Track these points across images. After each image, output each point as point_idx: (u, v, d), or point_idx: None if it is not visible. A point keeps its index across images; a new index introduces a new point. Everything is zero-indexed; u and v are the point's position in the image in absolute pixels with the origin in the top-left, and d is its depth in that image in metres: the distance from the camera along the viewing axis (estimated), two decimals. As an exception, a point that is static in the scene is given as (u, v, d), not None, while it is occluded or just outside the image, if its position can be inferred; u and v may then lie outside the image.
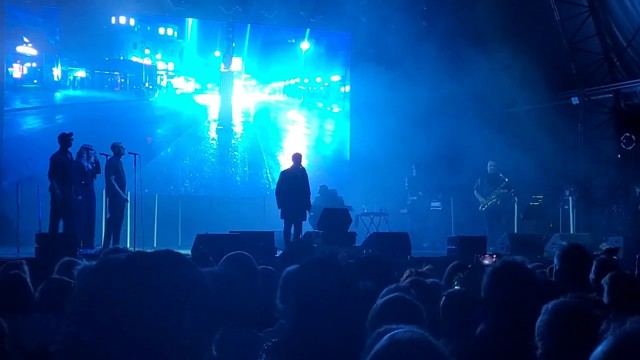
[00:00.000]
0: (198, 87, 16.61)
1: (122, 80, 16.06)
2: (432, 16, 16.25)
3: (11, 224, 11.95)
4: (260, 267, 4.11)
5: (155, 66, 16.32)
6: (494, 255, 9.28)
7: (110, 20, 15.75)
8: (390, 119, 15.58)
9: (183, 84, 16.49)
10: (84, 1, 14.59)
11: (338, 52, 17.70)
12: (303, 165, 12.65)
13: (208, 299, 1.22)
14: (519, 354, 2.77)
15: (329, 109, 17.83)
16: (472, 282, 3.85)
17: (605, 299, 3.80)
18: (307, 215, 12.68)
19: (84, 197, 11.50)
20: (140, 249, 11.26)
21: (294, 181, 12.12)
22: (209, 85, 16.69)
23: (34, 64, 15.29)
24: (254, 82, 17.09)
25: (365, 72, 15.85)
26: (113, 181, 11.63)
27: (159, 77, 16.33)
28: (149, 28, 16.26)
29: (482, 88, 14.87)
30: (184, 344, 1.16)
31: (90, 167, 11.67)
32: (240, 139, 16.99)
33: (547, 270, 4.63)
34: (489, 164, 14.43)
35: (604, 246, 11.17)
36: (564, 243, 4.25)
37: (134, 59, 16.09)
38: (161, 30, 16.38)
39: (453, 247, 11.49)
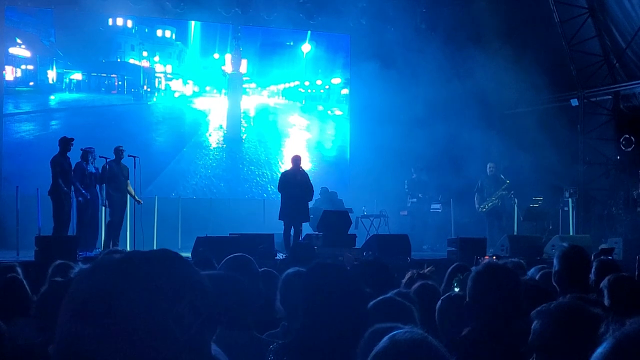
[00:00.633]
0: (196, 89, 16.55)
1: (120, 83, 15.92)
2: (432, 18, 16.26)
3: (10, 227, 11.93)
4: (262, 269, 4.11)
5: (154, 68, 16.20)
6: (494, 257, 9.29)
7: (107, 21, 15.60)
8: (390, 121, 15.58)
9: (181, 87, 16.41)
10: (82, 3, 14.46)
11: (338, 54, 17.67)
12: (303, 168, 12.63)
13: (206, 296, 1.21)
14: (502, 355, 2.79)
15: (329, 112, 17.79)
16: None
17: (605, 301, 3.80)
18: (308, 218, 12.66)
19: (86, 200, 11.49)
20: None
21: (293, 183, 12.11)
22: (207, 88, 16.63)
23: (30, 67, 15.06)
24: (253, 84, 17.07)
25: (365, 74, 15.85)
26: (104, 186, 11.68)
27: (157, 80, 16.22)
28: (146, 30, 16.14)
29: (481, 90, 14.88)
30: (183, 341, 1.15)
31: (93, 170, 11.67)
32: (243, 142, 16.95)
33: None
34: (488, 166, 14.44)
35: (604, 247, 11.16)
36: (564, 244, 4.24)
37: (131, 61, 15.96)
38: (159, 32, 16.29)
39: (453, 248, 11.49)
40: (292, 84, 17.45)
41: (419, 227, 14.77)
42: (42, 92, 15.22)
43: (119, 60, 15.92)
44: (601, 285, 3.92)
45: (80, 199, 11.38)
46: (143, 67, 16.06)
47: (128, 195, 12.17)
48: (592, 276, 4.35)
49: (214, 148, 16.65)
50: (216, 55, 16.68)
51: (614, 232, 14.07)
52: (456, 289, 3.99)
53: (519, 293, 2.99)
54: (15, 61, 14.98)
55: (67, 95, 15.42)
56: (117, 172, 11.81)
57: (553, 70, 15.04)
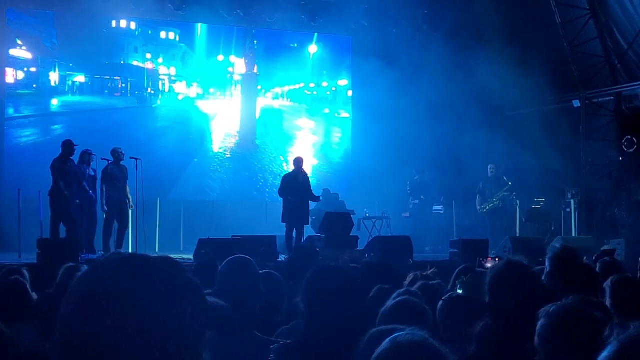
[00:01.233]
0: (200, 91, 16.49)
1: (123, 85, 15.79)
2: (433, 19, 16.26)
3: (12, 229, 11.94)
4: (264, 270, 4.11)
5: (157, 71, 16.13)
6: (496, 259, 9.28)
7: (111, 23, 15.46)
8: (391, 123, 15.58)
9: (185, 89, 16.33)
10: (83, 5, 14.44)
11: (346, 57, 17.56)
12: (305, 170, 12.62)
13: (204, 301, 1.23)
14: (518, 354, 2.78)
15: (336, 114, 17.69)
16: (475, 286, 3.85)
17: (607, 302, 3.79)
18: (310, 220, 12.66)
19: (85, 202, 11.50)
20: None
21: (295, 185, 12.11)
22: (211, 90, 16.58)
23: (33, 69, 14.93)
24: (258, 87, 17.01)
25: (367, 75, 15.86)
26: (104, 189, 11.65)
27: (160, 82, 16.14)
28: (150, 32, 16.05)
29: (483, 91, 14.88)
30: (186, 342, 1.15)
31: (92, 173, 11.67)
32: (258, 147, 16.87)
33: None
34: (489, 167, 14.44)
35: (605, 249, 11.15)
36: (556, 245, 4.25)
37: (135, 63, 15.87)
38: (163, 34, 16.20)
39: (455, 250, 11.49)
40: (297, 86, 17.37)
41: (421, 228, 14.76)
42: (44, 95, 15.06)
43: (122, 62, 15.83)
44: (604, 285, 3.91)
45: (77, 201, 11.36)
46: (147, 69, 15.96)
47: (129, 197, 12.19)
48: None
49: (219, 151, 16.53)
50: (220, 57, 16.59)
51: (616, 234, 14.05)
52: (459, 291, 3.98)
53: (538, 292, 2.98)
54: (17, 63, 14.83)
55: (69, 98, 15.28)
56: (117, 175, 11.80)
57: (555, 72, 15.03)
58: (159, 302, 1.14)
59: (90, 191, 11.66)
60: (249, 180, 16.55)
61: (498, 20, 14.86)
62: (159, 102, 16.15)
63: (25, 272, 4.67)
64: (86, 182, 11.54)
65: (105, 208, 11.73)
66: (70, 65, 15.29)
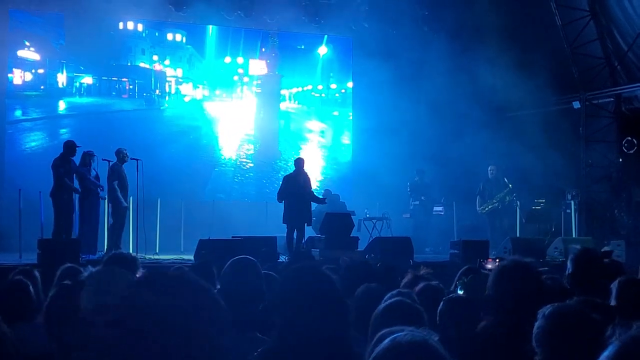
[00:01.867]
0: (206, 93, 16.44)
1: (131, 87, 15.77)
2: (434, 21, 16.26)
3: (13, 230, 11.94)
4: (263, 272, 4.11)
5: (165, 72, 16.10)
6: (497, 260, 9.28)
7: (118, 25, 15.47)
8: (392, 124, 15.60)
9: (191, 91, 16.29)
10: (84, 5, 14.47)
11: (355, 59, 17.41)
12: (306, 171, 12.62)
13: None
14: (518, 353, 2.78)
15: (350, 116, 17.62)
16: (476, 287, 3.85)
17: (612, 303, 3.80)
18: (310, 220, 12.65)
19: (86, 203, 11.50)
20: (143, 254, 11.31)
21: (296, 186, 12.11)
22: (217, 92, 16.51)
23: (40, 70, 14.88)
24: (259, 89, 16.94)
25: (368, 77, 15.87)
26: (116, 186, 11.64)
27: (167, 84, 16.11)
28: (157, 34, 16.04)
29: (484, 92, 14.88)
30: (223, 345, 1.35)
31: (94, 173, 11.67)
32: (255, 146, 16.85)
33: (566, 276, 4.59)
34: (489, 169, 14.44)
35: (605, 250, 11.16)
36: (577, 247, 4.27)
37: (142, 65, 15.85)
38: (169, 36, 16.17)
39: (455, 251, 11.49)
40: (305, 88, 17.32)
41: (421, 229, 14.77)
42: (51, 97, 15.02)
43: (129, 64, 15.79)
44: (611, 285, 3.92)
45: (78, 200, 11.36)
46: (155, 70, 15.93)
47: (131, 198, 12.19)
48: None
49: (237, 157, 16.46)
50: (227, 59, 16.55)
51: (616, 235, 14.05)
52: (460, 292, 3.99)
53: (541, 291, 2.99)
54: (25, 64, 14.80)
55: (77, 100, 15.25)
56: (123, 175, 11.82)
57: (555, 73, 15.03)
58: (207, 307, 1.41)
59: (91, 191, 11.65)
60: (246, 180, 16.56)
61: (498, 22, 14.86)
62: (166, 105, 16.11)
63: (37, 273, 4.66)
64: (87, 183, 11.53)
65: (125, 204, 11.73)
66: (78, 67, 15.26)
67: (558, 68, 15.25)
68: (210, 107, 16.46)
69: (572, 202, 14.50)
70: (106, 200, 11.84)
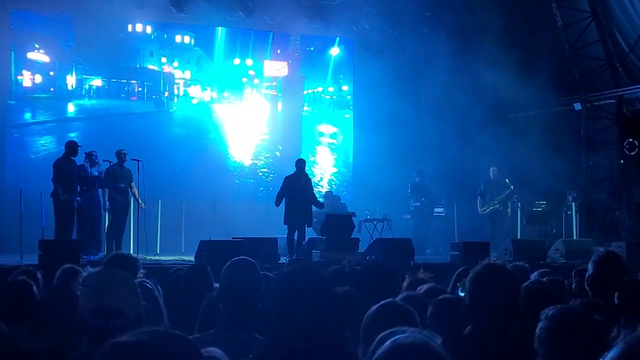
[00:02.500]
0: (214, 95, 16.40)
1: (140, 89, 15.75)
2: (435, 22, 16.26)
3: (14, 231, 11.94)
4: (262, 273, 4.11)
5: (173, 74, 16.07)
6: (497, 261, 9.27)
7: (127, 27, 15.47)
8: (393, 125, 15.60)
9: (200, 93, 16.24)
10: (86, 8, 14.46)
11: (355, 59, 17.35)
12: (306, 172, 12.61)
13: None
14: (502, 354, 2.79)
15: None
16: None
17: (615, 299, 3.79)
18: (311, 222, 12.65)
19: (87, 203, 11.50)
20: (143, 255, 11.31)
21: (297, 187, 12.11)
22: (225, 94, 16.46)
23: (51, 72, 14.86)
24: (274, 92, 16.91)
25: (368, 78, 15.87)
26: (111, 188, 11.67)
27: (176, 86, 16.08)
28: (165, 36, 16.01)
29: (484, 94, 14.88)
30: None
31: (96, 174, 11.68)
32: (263, 149, 16.78)
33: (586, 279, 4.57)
34: (491, 170, 14.43)
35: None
36: (600, 249, 4.24)
37: (150, 67, 15.84)
38: (178, 38, 16.14)
39: (456, 252, 11.49)
40: (315, 90, 17.28)
41: (422, 231, 14.77)
42: (61, 99, 15.00)
43: (137, 66, 15.78)
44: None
45: (78, 198, 11.36)
46: (164, 72, 15.90)
47: (131, 199, 12.20)
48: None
49: (253, 160, 16.43)
50: (236, 61, 16.49)
51: (617, 237, 14.05)
52: (461, 293, 3.98)
53: (517, 292, 3.00)
54: (34, 66, 14.77)
55: (86, 102, 15.23)
56: (120, 176, 11.82)
57: (556, 74, 15.03)
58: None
59: (94, 192, 11.66)
60: (250, 180, 16.47)
61: (499, 23, 14.85)
62: (175, 108, 16.09)
63: (39, 275, 4.65)
64: (89, 183, 11.54)
65: (108, 207, 11.74)
66: (87, 68, 15.23)
67: (559, 69, 15.25)
68: (219, 110, 16.40)
69: (573, 204, 14.50)
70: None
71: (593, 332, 2.42)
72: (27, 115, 14.86)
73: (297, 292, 2.46)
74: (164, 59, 15.98)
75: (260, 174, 16.48)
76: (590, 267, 4.11)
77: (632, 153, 14.71)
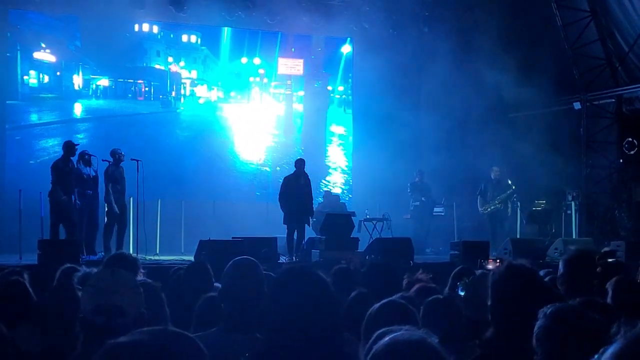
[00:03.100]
0: (221, 95, 16.34)
1: (147, 89, 15.71)
2: (435, 22, 16.27)
3: (13, 230, 11.93)
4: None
5: (180, 74, 16.03)
6: (498, 260, 9.28)
7: (133, 27, 15.44)
8: (392, 124, 15.60)
9: (206, 93, 16.19)
10: (87, 9, 14.44)
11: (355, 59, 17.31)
12: (306, 172, 12.61)
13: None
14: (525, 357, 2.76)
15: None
16: (478, 288, 3.83)
17: (608, 299, 3.81)
18: (310, 221, 12.66)
19: (85, 203, 11.49)
20: (143, 255, 11.31)
21: (296, 187, 12.11)
22: (232, 94, 16.41)
23: (58, 73, 14.82)
24: (282, 90, 16.85)
25: (368, 77, 15.87)
26: (110, 189, 11.65)
27: (182, 86, 16.04)
28: (172, 35, 15.97)
29: (484, 93, 14.89)
30: None
31: (93, 174, 11.66)
32: (272, 149, 16.69)
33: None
34: (493, 169, 14.42)
35: (606, 250, 11.15)
36: (571, 248, 4.25)
37: (157, 67, 15.80)
38: (184, 38, 16.09)
39: (456, 252, 11.49)
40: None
41: (421, 230, 14.77)
42: (68, 99, 14.96)
43: (144, 65, 15.73)
44: (607, 285, 3.93)
45: (77, 202, 11.36)
46: (170, 72, 15.84)
47: (131, 199, 12.19)
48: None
49: (261, 162, 16.41)
50: (244, 60, 16.44)
51: (616, 236, 14.05)
52: (461, 293, 3.97)
53: (541, 293, 2.95)
54: (41, 66, 14.72)
55: (93, 102, 15.18)
56: (117, 176, 11.81)
57: (556, 74, 15.05)
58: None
59: (91, 192, 11.64)
60: (253, 180, 16.41)
61: (499, 23, 14.86)
62: (182, 108, 16.04)
63: (25, 275, 4.64)
64: (86, 183, 11.53)
65: (117, 210, 11.72)
66: (94, 68, 15.19)
67: (559, 69, 15.27)
68: (226, 109, 16.34)
69: (573, 203, 14.51)
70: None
71: (591, 331, 2.42)
72: (34, 116, 14.82)
73: (292, 292, 2.45)
74: (170, 59, 15.94)
75: (274, 174, 16.33)
76: (561, 266, 4.12)
77: (632, 152, 14.71)
